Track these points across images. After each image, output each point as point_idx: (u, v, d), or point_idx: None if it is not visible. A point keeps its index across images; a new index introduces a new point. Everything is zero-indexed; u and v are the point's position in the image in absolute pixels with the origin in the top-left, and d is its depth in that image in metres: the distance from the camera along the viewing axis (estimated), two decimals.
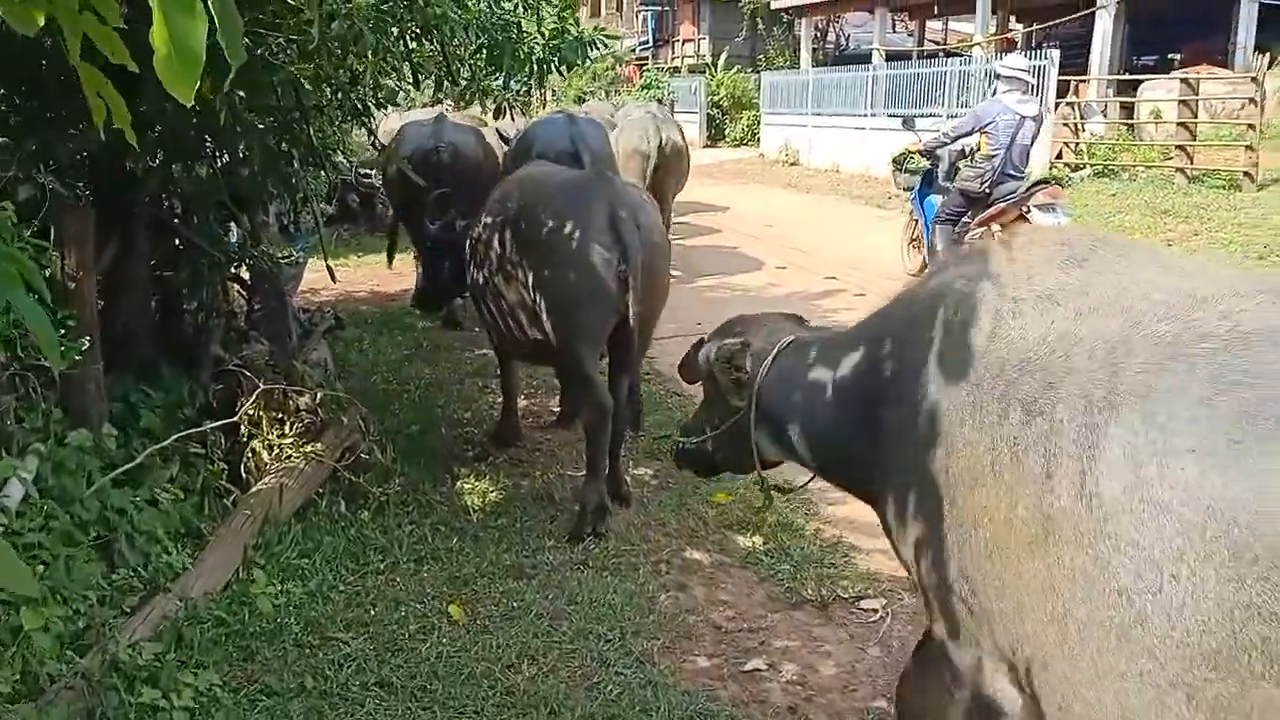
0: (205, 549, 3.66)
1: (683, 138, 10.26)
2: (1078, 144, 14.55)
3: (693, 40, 31.23)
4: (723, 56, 28.23)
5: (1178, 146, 12.75)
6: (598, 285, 4.09)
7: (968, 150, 8.06)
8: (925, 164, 8.45)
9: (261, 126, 5.18)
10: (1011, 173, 7.85)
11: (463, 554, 4.01)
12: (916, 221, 8.89)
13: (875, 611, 3.52)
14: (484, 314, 5.04)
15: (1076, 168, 14.23)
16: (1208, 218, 10.86)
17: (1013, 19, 22.72)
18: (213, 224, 5.42)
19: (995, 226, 7.38)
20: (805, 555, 3.98)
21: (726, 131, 26.29)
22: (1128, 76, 16.09)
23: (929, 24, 27.63)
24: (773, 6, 25.63)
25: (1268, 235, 9.85)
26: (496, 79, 5.64)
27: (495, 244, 4.60)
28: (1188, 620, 1.42)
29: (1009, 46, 20.21)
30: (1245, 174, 11.70)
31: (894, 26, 27.96)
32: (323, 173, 6.34)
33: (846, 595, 3.63)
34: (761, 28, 27.99)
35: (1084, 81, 15.18)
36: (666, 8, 32.66)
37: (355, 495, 4.44)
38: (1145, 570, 1.47)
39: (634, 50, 33.10)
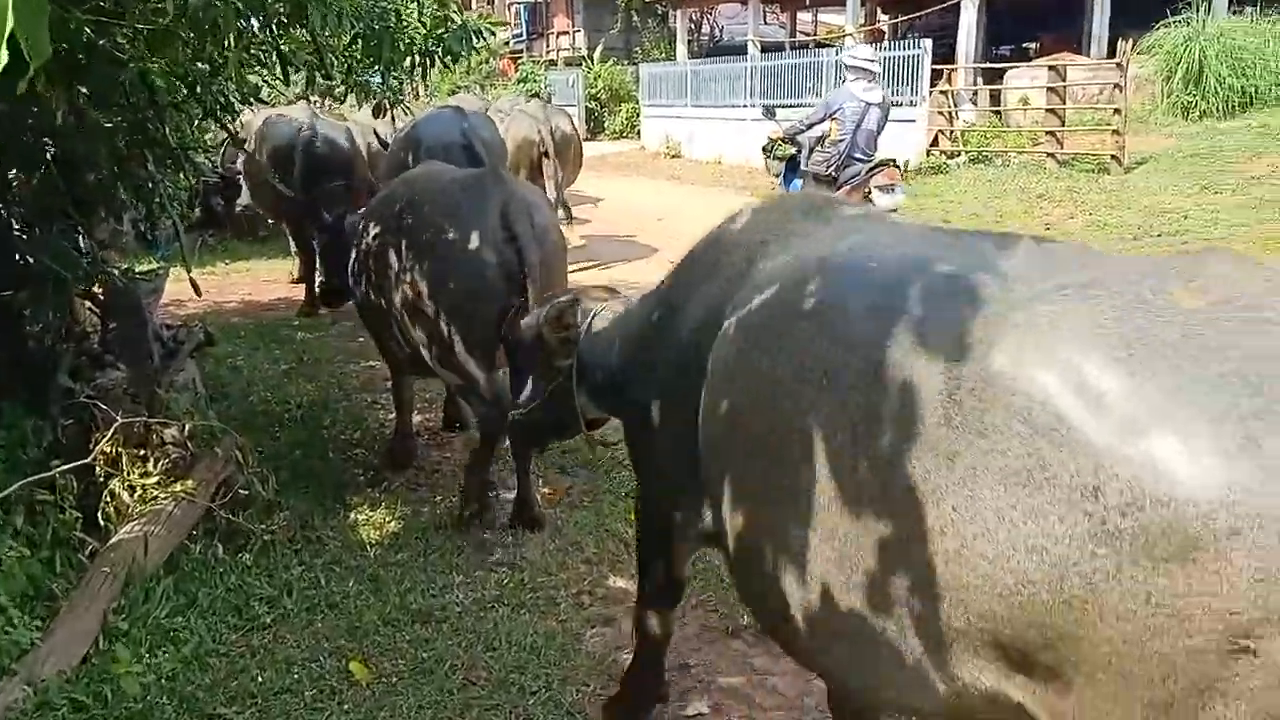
0: (57, 618, 3.16)
1: (572, 127, 10.25)
2: (952, 131, 14.81)
3: (568, 33, 30.80)
4: (598, 49, 27.92)
5: (1048, 132, 13.08)
6: (494, 289, 3.79)
7: (821, 136, 8.45)
8: (791, 150, 8.82)
9: (109, 126, 4.64)
10: (859, 156, 8.29)
11: (361, 598, 3.61)
12: None
13: None
14: (371, 323, 4.70)
15: (952, 155, 14.49)
16: (1081, 201, 11.14)
17: (879, 10, 23.15)
18: (57, 236, 4.83)
19: None
20: None
21: (606, 124, 26.02)
22: (998, 65, 16.47)
23: (799, 16, 27.96)
24: None
25: (1139, 217, 10.15)
26: (374, 72, 5.25)
27: (383, 248, 4.27)
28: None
29: (878, 37, 20.59)
30: (1113, 157, 12.07)
31: (765, 18, 28.18)
32: (181, 175, 5.79)
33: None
34: (636, 20, 27.81)
35: (954, 70, 15.47)
36: (540, 0, 32.16)
37: (234, 536, 3.98)
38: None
39: (508, 43, 32.48)
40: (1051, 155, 12.89)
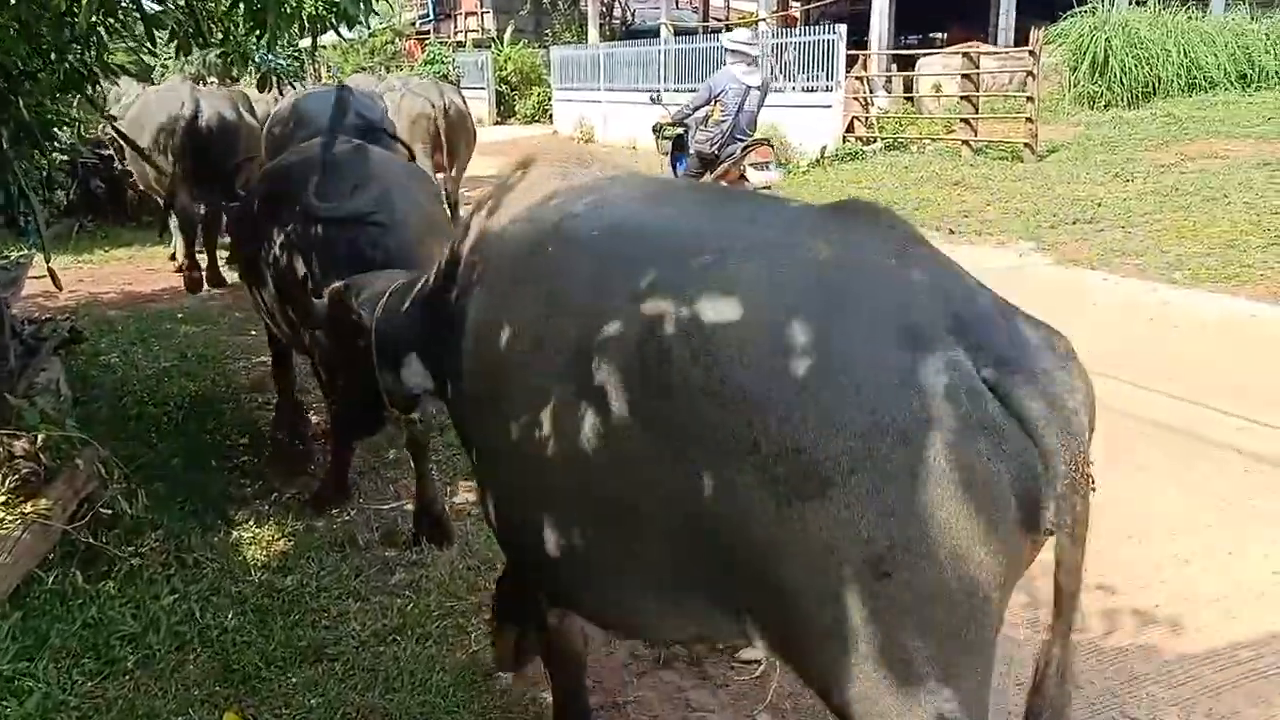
0: None
1: (464, 103, 10.37)
2: (867, 118, 14.73)
3: (476, 14, 30.03)
4: (508, 31, 27.26)
5: (962, 120, 13.06)
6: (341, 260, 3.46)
7: (705, 117, 8.83)
8: (678, 131, 9.28)
9: None
10: (740, 137, 8.73)
11: (242, 634, 3.17)
12: None
13: (757, 664, 2.98)
14: (261, 306, 4.30)
15: (868, 141, 14.41)
16: (996, 188, 11.12)
17: None
18: None
19: (724, 184, 8.34)
20: None
21: (516, 108, 25.40)
22: (911, 51, 16.48)
23: (712, 1, 27.74)
24: None
25: (1054, 205, 10.14)
26: (259, 42, 4.76)
27: (268, 226, 3.91)
28: None
29: (790, 23, 20.48)
30: (1026, 145, 12.09)
31: (677, 3, 27.89)
32: (39, 153, 5.20)
33: (720, 646, 3.07)
34: (546, 2, 27.24)
35: (869, 56, 15.40)
36: None
37: (96, 562, 3.50)
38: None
39: (414, 24, 31.53)
40: (966, 143, 12.89)
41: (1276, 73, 14.83)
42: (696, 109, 8.90)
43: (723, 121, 8.64)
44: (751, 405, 1.45)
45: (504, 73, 25.72)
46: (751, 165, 8.63)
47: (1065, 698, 1.53)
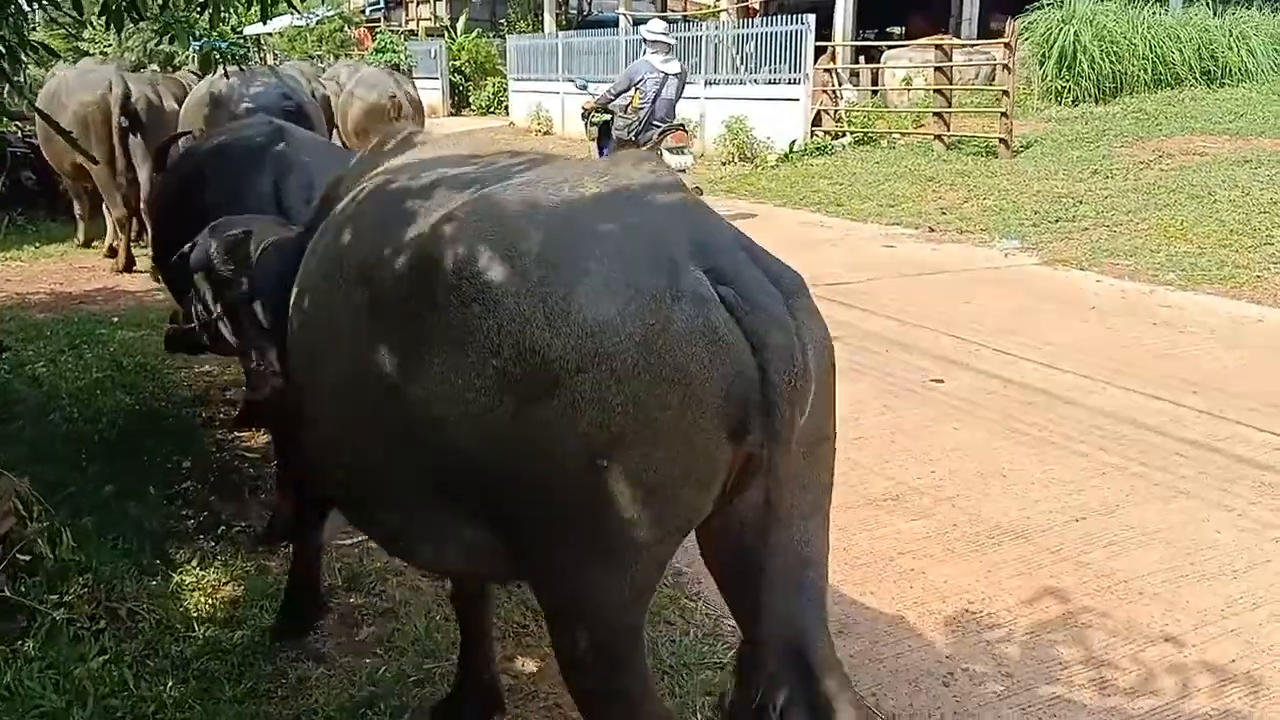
0: None
1: (416, 93, 10.71)
2: (836, 111, 14.42)
3: (428, 2, 29.31)
4: (462, 19, 26.60)
5: (934, 114, 12.78)
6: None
7: (627, 104, 9.26)
8: (605, 117, 9.53)
9: None
10: (657, 122, 9.19)
11: (183, 709, 2.69)
12: None
13: None
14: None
15: (837, 134, 14.09)
16: (972, 184, 10.85)
17: None
18: None
19: None
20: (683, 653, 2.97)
21: (471, 99, 24.76)
22: (880, 44, 16.20)
23: None
24: None
25: (1034, 202, 9.89)
26: (201, 19, 4.27)
27: (179, 215, 3.73)
28: None
29: (750, 14, 20.15)
30: (1001, 140, 11.84)
31: None
32: None
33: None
34: None
35: (837, 48, 15.09)
36: None
37: (12, 615, 2.99)
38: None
39: (364, 11, 30.70)
40: (939, 137, 12.61)
41: (1240, 69, 14.79)
42: (618, 95, 9.31)
43: (641, 108, 9.12)
44: (497, 310, 1.56)
45: (458, 62, 25.09)
46: (668, 149, 9.07)
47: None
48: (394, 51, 26.04)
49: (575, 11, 27.78)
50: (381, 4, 30.75)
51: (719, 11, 20.20)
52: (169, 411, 5.11)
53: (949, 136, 12.61)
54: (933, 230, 9.46)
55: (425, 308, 1.65)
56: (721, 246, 1.59)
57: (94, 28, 4.67)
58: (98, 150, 6.82)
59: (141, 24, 4.40)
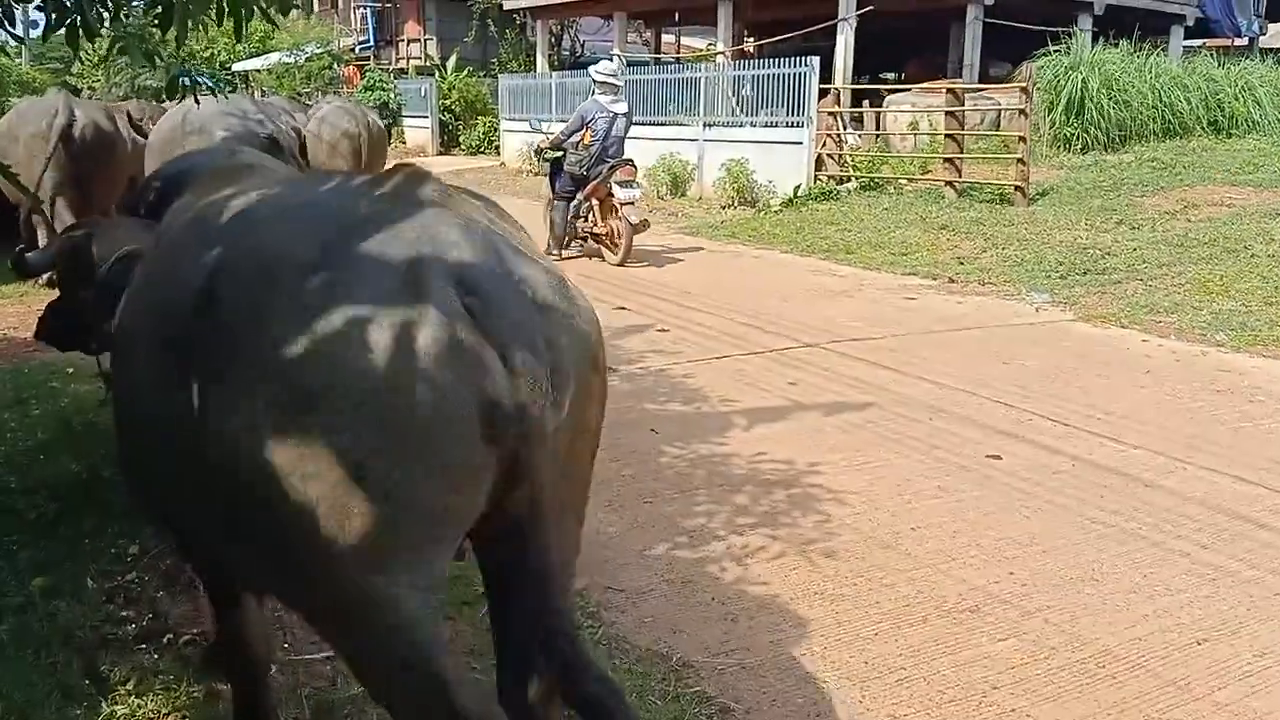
0: None
1: (380, 127, 11.31)
2: (841, 156, 13.98)
3: (418, 40, 28.95)
4: (453, 58, 26.26)
5: (946, 160, 12.34)
6: None
7: (578, 142, 9.81)
8: (557, 154, 10.05)
9: None
10: (608, 158, 9.75)
11: None
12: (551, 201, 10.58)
13: None
14: None
15: (841, 179, 13.64)
16: (989, 233, 10.36)
17: (745, 33, 22.47)
18: None
19: (595, 200, 9.86)
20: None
21: (461, 139, 24.32)
22: (883, 86, 15.84)
23: (663, 37, 27.15)
24: (505, 7, 24.00)
25: (1057, 253, 9.40)
26: (164, 38, 3.76)
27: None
28: None
29: (744, 58, 19.84)
30: (1017, 188, 11.39)
31: (626, 38, 27.25)
32: None
33: None
34: (493, 29, 26.27)
35: (840, 91, 14.70)
36: (388, 4, 30.15)
37: None
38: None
39: (354, 50, 30.35)
40: (950, 184, 12.15)
41: (1247, 120, 14.51)
42: (570, 135, 9.84)
43: (591, 145, 9.69)
44: (266, 333, 1.60)
45: (448, 101, 24.70)
46: (617, 183, 9.60)
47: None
48: (383, 89, 25.66)
49: (568, 52, 27.52)
50: (371, 42, 30.41)
51: (715, 54, 19.86)
52: (119, 481, 4.46)
53: (960, 183, 12.15)
54: (952, 281, 8.94)
55: (194, 332, 1.72)
56: (474, 256, 1.63)
57: (82, 63, 4.24)
58: (48, 180, 6.51)
59: (117, 52, 3.88)
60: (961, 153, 12.30)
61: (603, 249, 10.17)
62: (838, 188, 13.39)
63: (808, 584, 3.43)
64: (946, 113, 12.44)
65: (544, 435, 1.59)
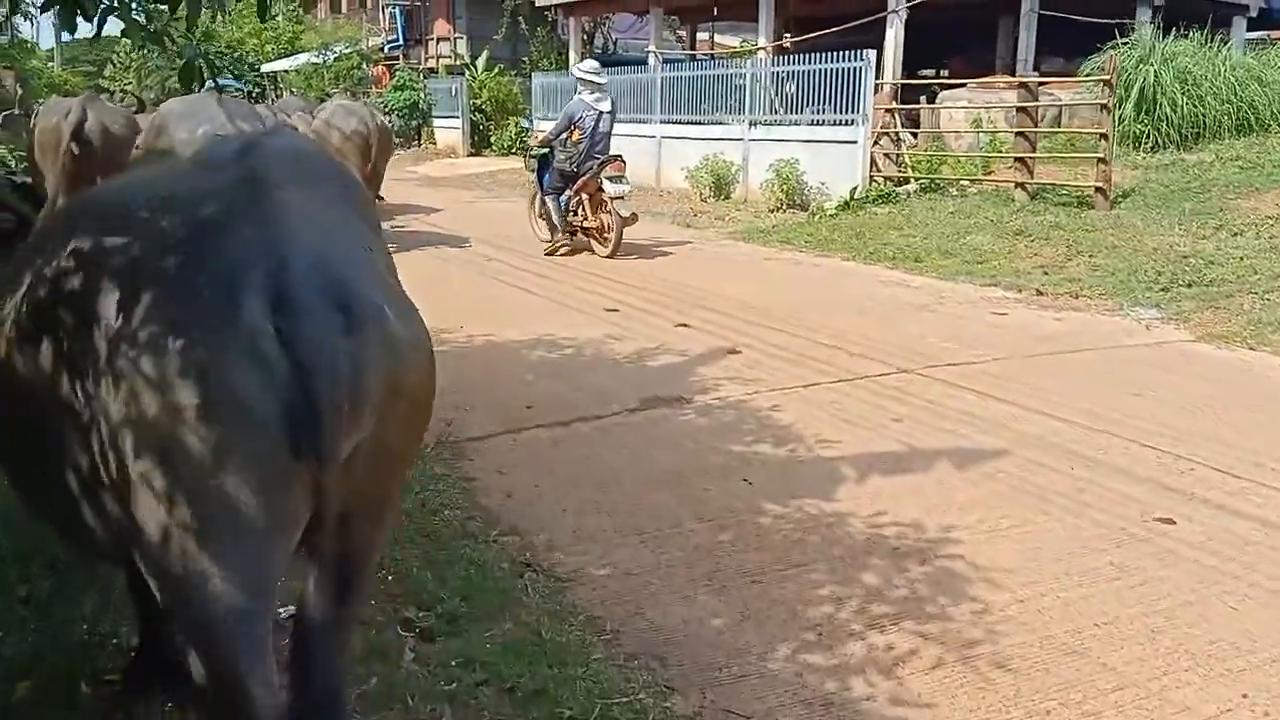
0: None
1: (385, 123, 11.98)
2: (899, 155, 13.19)
3: (448, 39, 28.34)
4: (483, 57, 25.62)
5: (1017, 159, 11.52)
6: None
7: (566, 139, 10.04)
8: (544, 151, 10.36)
9: None
10: (596, 155, 9.97)
11: None
12: (539, 197, 10.80)
13: None
14: None
15: (900, 181, 12.85)
16: (1072, 240, 9.55)
17: (783, 29, 21.67)
18: None
19: (585, 195, 10.07)
20: None
21: (492, 139, 23.65)
22: (941, 81, 15.00)
23: (698, 35, 26.41)
24: (537, 4, 23.33)
25: (1152, 260, 8.60)
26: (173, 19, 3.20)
27: None
28: None
29: (781, 53, 19.06)
30: (1098, 190, 10.56)
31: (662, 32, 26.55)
32: None
33: None
34: (524, 27, 25.62)
35: (895, 87, 13.90)
36: (418, 3, 29.58)
37: None
38: None
39: (383, 49, 29.82)
40: (1020, 185, 11.33)
41: None
42: (560, 133, 10.06)
43: (580, 142, 9.93)
44: (107, 333, 1.70)
45: (479, 101, 24.07)
46: (607, 178, 9.77)
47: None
48: (413, 89, 25.12)
49: (600, 49, 26.84)
50: (400, 41, 29.86)
51: (755, 50, 19.08)
52: None
53: (1032, 184, 11.33)
54: (1041, 294, 8.16)
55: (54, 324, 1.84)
56: (291, 272, 1.65)
57: (114, 65, 3.76)
58: (57, 179, 6.47)
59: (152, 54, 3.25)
60: (1034, 151, 11.46)
61: (592, 242, 10.37)
62: (895, 190, 12.60)
63: (983, 711, 2.69)
64: (1018, 108, 11.61)
65: (335, 454, 1.64)
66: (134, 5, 3.17)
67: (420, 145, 25.22)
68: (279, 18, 37.67)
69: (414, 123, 25.24)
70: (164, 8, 3.19)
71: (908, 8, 15.16)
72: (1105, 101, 10.85)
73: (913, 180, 12.69)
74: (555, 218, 10.32)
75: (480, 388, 5.62)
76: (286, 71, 31.59)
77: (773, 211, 13.56)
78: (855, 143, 13.01)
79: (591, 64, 10.68)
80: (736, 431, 4.92)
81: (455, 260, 10.32)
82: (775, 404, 5.34)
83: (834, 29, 17.09)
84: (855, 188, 12.49)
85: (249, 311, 1.60)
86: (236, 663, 1.69)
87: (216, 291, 1.63)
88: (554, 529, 3.83)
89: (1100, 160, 10.57)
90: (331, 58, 28.28)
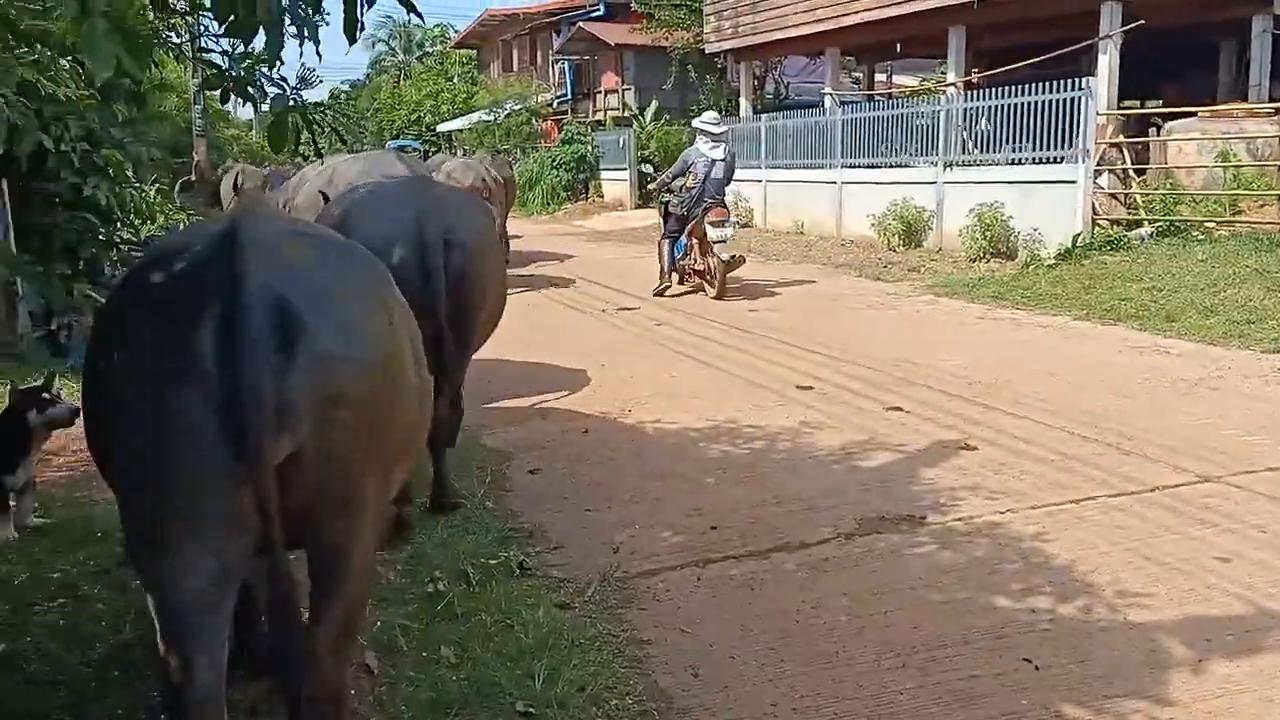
0: None
1: (500, 175, 13.42)
2: (1128, 196, 11.46)
3: (616, 91, 28.02)
4: (651, 107, 25.09)
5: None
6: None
7: (681, 185, 10.49)
8: (669, 197, 10.80)
9: None
10: (708, 200, 10.29)
11: None
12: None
13: None
14: None
15: (1130, 224, 11.13)
16: None
17: (972, 62, 20.03)
18: None
19: (694, 239, 10.50)
20: None
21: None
22: (1170, 110, 13.11)
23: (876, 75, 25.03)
24: (706, 50, 22.61)
25: None
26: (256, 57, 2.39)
27: None
28: None
29: (970, 89, 17.47)
30: None
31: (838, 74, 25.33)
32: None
33: None
34: (693, 75, 24.94)
35: (1123, 116, 12.18)
36: (586, 58, 29.49)
37: None
38: None
39: (552, 104, 29.87)
40: None
41: None
42: (674, 179, 10.66)
43: (693, 188, 10.33)
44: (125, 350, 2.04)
45: (646, 151, 23.47)
46: (710, 223, 10.12)
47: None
48: (580, 142, 24.84)
49: (771, 95, 25.85)
50: (569, 95, 29.84)
51: (944, 86, 17.59)
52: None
53: None
54: None
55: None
56: (239, 302, 1.87)
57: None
58: None
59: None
60: None
61: (704, 284, 10.63)
62: (1125, 234, 10.89)
63: None
64: None
65: (266, 459, 1.83)
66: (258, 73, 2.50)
67: (588, 198, 24.85)
68: (455, 79, 38.75)
69: (581, 176, 24.93)
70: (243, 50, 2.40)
71: (1123, 32, 13.39)
72: None
73: (1146, 223, 10.95)
74: (665, 260, 10.76)
75: (649, 496, 4.54)
76: (460, 130, 32.15)
77: (974, 261, 12.07)
78: (1074, 182, 11.40)
79: (711, 115, 11.18)
80: (997, 575, 3.62)
81: (628, 327, 9.33)
82: (1039, 529, 4.01)
83: (1032, 60, 15.46)
84: (1078, 233, 10.86)
85: (200, 338, 1.86)
86: (187, 643, 1.93)
87: (181, 322, 1.91)
88: None
89: None
90: (502, 115, 28.49)
